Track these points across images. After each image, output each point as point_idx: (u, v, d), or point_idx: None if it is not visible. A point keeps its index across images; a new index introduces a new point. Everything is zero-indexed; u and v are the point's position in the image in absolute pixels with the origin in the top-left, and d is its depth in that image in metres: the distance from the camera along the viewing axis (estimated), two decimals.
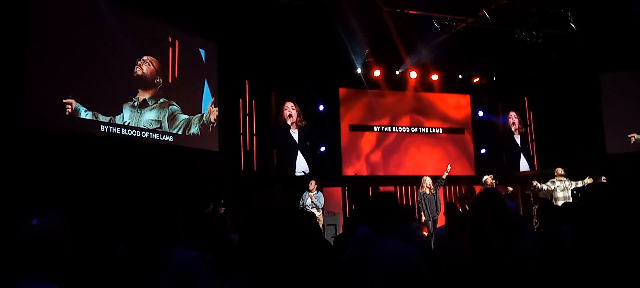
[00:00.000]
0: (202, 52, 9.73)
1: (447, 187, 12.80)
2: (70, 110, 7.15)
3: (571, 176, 9.89)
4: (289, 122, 11.32)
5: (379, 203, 2.77)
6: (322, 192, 9.89)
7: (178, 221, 2.82)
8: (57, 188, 6.12)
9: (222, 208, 8.28)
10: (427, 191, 9.68)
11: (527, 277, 2.07)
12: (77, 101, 7.24)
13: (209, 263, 2.91)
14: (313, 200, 9.53)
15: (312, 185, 9.74)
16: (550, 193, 9.78)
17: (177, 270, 2.41)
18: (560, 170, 10.03)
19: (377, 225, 2.71)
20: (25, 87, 6.50)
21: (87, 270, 2.72)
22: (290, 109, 11.38)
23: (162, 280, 2.38)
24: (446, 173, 10.19)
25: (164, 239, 2.49)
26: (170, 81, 8.94)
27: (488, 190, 3.23)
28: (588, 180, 9.63)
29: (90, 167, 6.93)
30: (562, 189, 9.58)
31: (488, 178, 10.02)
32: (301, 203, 9.61)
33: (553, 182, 9.85)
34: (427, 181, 9.78)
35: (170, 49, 9.05)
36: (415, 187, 12.40)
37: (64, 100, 7.09)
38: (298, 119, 11.42)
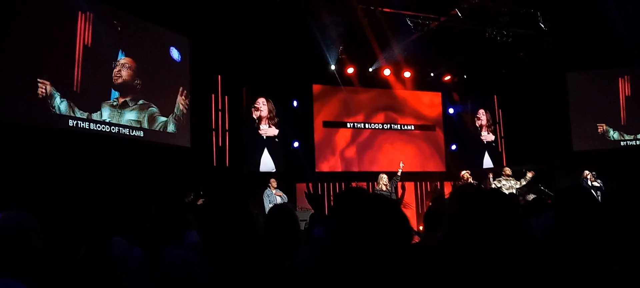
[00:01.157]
0: (174, 50, 9.58)
1: (419, 183, 12.96)
2: (43, 93, 6.93)
3: (517, 175, 10.18)
4: (256, 118, 11.23)
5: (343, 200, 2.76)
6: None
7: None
8: (29, 184, 5.95)
9: (201, 200, 8.22)
10: (384, 188, 9.72)
11: (500, 272, 2.09)
12: (51, 85, 7.04)
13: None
14: (281, 197, 9.61)
15: (274, 183, 9.78)
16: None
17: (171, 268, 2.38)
18: (507, 170, 10.37)
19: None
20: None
21: (56, 269, 2.64)
22: (260, 105, 11.29)
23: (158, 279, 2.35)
24: (400, 171, 10.25)
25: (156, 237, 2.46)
26: (143, 81, 8.80)
27: (464, 185, 3.27)
28: (529, 175, 9.93)
29: (61, 162, 6.75)
30: (507, 188, 9.81)
31: (465, 174, 10.19)
32: (266, 200, 9.59)
33: (499, 181, 10.13)
34: (384, 178, 9.82)
35: (143, 46, 8.89)
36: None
37: (37, 80, 6.87)
38: (268, 115, 11.34)
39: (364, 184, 10.43)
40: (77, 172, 6.97)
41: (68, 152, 7.19)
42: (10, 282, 1.65)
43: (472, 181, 10.06)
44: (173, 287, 2.54)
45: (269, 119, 11.35)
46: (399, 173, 10.19)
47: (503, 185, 9.96)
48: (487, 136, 13.87)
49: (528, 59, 11.68)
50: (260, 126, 11.25)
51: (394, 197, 9.80)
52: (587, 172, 10.37)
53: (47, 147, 6.88)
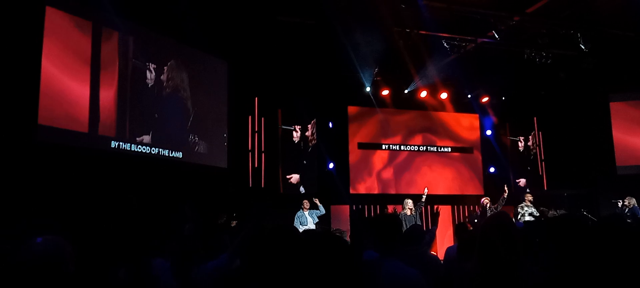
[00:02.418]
0: (212, 69, 9.85)
1: (456, 207, 12.75)
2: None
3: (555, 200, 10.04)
4: (297, 139, 11.36)
5: (383, 226, 2.76)
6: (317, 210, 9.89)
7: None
8: (66, 205, 6.15)
9: (234, 222, 8.34)
10: (408, 212, 9.61)
11: None
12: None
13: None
14: (307, 216, 9.58)
15: (306, 204, 9.79)
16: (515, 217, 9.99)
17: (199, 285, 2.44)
18: (529, 196, 10.33)
19: (382, 248, 2.70)
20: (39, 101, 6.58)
21: None
22: (298, 130, 11.46)
23: None
24: (424, 196, 10.12)
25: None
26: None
27: (498, 213, 3.20)
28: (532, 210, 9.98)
29: (95, 182, 6.96)
30: (529, 214, 9.79)
31: (485, 200, 10.10)
32: (297, 221, 9.62)
33: (522, 208, 10.10)
34: (409, 203, 9.75)
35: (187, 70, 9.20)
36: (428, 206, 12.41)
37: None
38: (308, 136, 11.49)
39: (399, 207, 10.30)
40: (116, 193, 7.16)
41: (109, 174, 7.42)
42: None
43: (490, 206, 9.90)
44: None
45: (303, 139, 11.48)
46: (423, 199, 10.07)
47: (526, 211, 9.81)
48: (525, 159, 13.56)
49: (568, 80, 11.37)
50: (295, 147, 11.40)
51: (418, 221, 9.68)
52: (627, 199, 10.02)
53: (89, 169, 7.12)
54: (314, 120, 11.65)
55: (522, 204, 10.17)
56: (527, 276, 2.31)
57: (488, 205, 9.96)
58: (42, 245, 1.80)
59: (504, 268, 2.25)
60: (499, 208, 9.87)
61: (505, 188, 10.40)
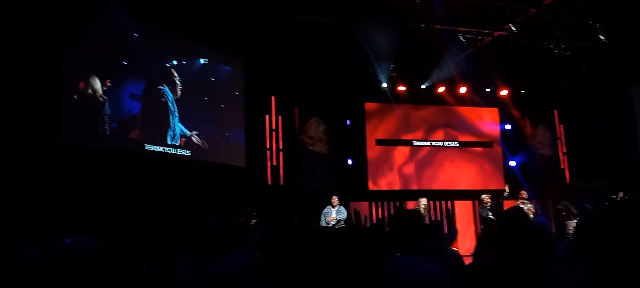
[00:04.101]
0: (228, 69, 9.94)
1: (477, 202, 12.66)
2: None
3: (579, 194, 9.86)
4: (307, 138, 11.43)
5: (402, 222, 2.78)
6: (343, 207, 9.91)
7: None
8: (92, 206, 6.30)
9: (254, 220, 8.44)
10: (422, 211, 9.59)
11: None
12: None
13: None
14: (334, 213, 9.61)
15: (335, 200, 9.79)
16: None
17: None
18: (524, 193, 10.22)
19: (401, 243, 2.71)
20: (61, 102, 6.72)
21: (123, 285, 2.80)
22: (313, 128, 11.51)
23: None
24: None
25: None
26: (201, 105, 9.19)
27: (512, 209, 3.20)
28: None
29: (117, 182, 7.09)
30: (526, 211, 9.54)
31: (485, 197, 10.00)
32: (323, 217, 9.66)
33: (524, 204, 9.95)
34: (423, 201, 9.73)
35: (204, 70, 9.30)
36: (447, 202, 12.37)
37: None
38: (319, 136, 11.54)
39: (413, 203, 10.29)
40: (144, 192, 7.30)
41: (136, 174, 7.57)
42: None
43: (489, 202, 9.83)
44: None
45: (318, 139, 11.52)
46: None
47: (527, 207, 9.73)
48: (543, 151, 13.40)
49: (589, 72, 11.18)
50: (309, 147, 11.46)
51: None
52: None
53: (116, 170, 7.26)
54: (331, 117, 11.67)
55: (519, 202, 10.04)
56: (546, 273, 2.31)
57: (489, 202, 9.88)
58: (73, 246, 1.86)
59: (520, 264, 2.25)
60: (500, 202, 9.82)
61: (506, 186, 10.39)
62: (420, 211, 9.38)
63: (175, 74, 8.68)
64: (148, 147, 8.06)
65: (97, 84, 7.26)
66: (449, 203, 12.48)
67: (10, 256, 2.27)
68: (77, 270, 1.80)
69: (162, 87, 8.42)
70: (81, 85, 7.04)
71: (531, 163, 13.10)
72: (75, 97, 6.93)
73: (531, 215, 9.35)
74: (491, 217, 9.43)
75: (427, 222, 9.54)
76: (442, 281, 2.46)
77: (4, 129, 5.90)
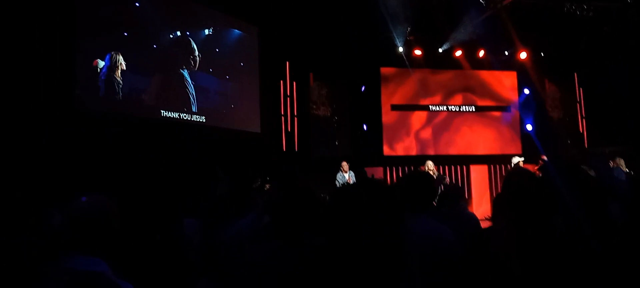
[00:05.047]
0: (242, 34, 9.87)
1: (493, 166, 12.59)
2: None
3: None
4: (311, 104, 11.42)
5: (412, 183, 2.76)
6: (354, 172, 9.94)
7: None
8: (109, 171, 6.38)
9: (268, 185, 8.48)
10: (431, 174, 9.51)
11: (569, 257, 2.03)
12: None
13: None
14: (346, 177, 9.65)
15: (345, 166, 9.82)
16: None
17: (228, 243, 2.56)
18: (545, 158, 9.83)
19: (411, 204, 2.69)
20: (77, 68, 6.76)
21: (135, 247, 2.85)
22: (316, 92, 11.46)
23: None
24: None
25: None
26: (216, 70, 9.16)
27: (519, 169, 3.16)
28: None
29: (133, 148, 7.16)
30: None
31: (429, 163, 9.85)
32: (337, 184, 9.71)
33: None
34: (430, 164, 9.65)
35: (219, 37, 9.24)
36: (464, 167, 12.31)
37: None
38: (322, 100, 11.49)
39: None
40: (160, 158, 7.38)
41: (152, 140, 7.64)
42: (94, 259, 1.82)
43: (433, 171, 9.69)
44: (228, 258, 2.70)
45: (322, 103, 11.48)
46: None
47: None
48: (553, 113, 13.19)
49: (612, 34, 10.85)
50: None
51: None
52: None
53: (132, 135, 7.33)
54: (346, 82, 11.57)
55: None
56: (561, 230, 2.28)
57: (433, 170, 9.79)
58: (88, 203, 1.89)
59: (533, 222, 2.22)
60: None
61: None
62: (430, 174, 9.35)
63: (191, 41, 8.64)
64: (164, 113, 8.10)
65: (110, 53, 7.27)
66: (465, 168, 12.42)
67: (37, 220, 2.33)
68: (91, 227, 1.82)
69: (176, 56, 8.41)
70: (95, 53, 7.04)
71: (549, 128, 12.91)
72: (90, 65, 6.95)
73: None
74: None
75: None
76: (451, 242, 2.45)
77: (20, 97, 5.96)
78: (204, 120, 8.81)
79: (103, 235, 1.88)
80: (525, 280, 2.06)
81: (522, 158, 10.00)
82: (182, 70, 8.49)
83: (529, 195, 2.21)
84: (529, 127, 12.95)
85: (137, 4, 7.79)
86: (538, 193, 2.23)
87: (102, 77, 7.12)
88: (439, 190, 5.23)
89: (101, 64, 7.13)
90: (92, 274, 1.76)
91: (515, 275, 2.08)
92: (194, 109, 8.63)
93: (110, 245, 1.91)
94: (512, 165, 9.93)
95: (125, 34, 7.53)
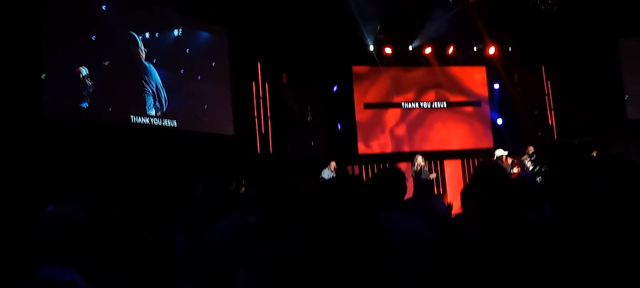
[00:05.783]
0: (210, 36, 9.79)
1: (466, 160, 12.78)
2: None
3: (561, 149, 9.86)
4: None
5: (384, 180, 2.80)
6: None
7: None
8: (82, 180, 6.25)
9: (243, 188, 8.44)
10: (418, 169, 9.58)
11: (530, 247, 2.08)
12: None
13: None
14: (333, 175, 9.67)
15: (333, 165, 9.82)
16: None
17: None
18: (531, 149, 9.87)
19: (384, 201, 2.73)
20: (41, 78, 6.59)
21: (109, 255, 2.81)
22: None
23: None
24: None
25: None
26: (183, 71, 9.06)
27: (486, 161, 3.24)
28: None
29: (103, 156, 7.04)
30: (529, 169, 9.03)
31: (501, 152, 9.94)
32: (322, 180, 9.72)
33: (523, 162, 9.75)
34: (418, 159, 9.67)
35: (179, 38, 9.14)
36: (438, 162, 12.44)
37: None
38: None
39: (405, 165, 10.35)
40: (133, 164, 7.26)
41: (128, 147, 7.52)
42: (66, 268, 1.80)
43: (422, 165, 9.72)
44: (213, 260, 2.71)
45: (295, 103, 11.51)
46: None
47: (527, 166, 9.50)
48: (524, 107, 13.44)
49: (576, 27, 11.16)
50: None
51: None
52: None
53: (89, 144, 7.17)
54: (318, 81, 11.59)
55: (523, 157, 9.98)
56: (529, 221, 2.34)
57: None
58: (55, 212, 1.85)
59: (498, 213, 2.28)
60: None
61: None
62: (399, 169, 9.40)
63: (158, 44, 8.53)
64: (134, 119, 7.98)
65: (75, 61, 7.12)
66: (439, 163, 12.58)
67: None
68: (60, 236, 1.79)
69: (140, 59, 8.28)
70: (59, 61, 6.89)
71: (519, 121, 13.17)
72: (55, 72, 6.80)
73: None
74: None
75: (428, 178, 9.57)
76: (425, 236, 2.49)
77: None
78: (175, 125, 8.71)
79: (73, 244, 1.84)
80: (488, 264, 2.11)
81: (506, 152, 10.10)
82: (146, 76, 8.35)
83: (493, 185, 2.27)
84: (500, 121, 13.19)
85: (103, 7, 7.65)
86: (502, 183, 2.29)
87: (71, 84, 6.98)
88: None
89: (84, 71, 7.03)
90: (64, 284, 1.74)
91: (480, 260, 2.14)
92: (164, 114, 8.50)
93: (83, 253, 1.88)
94: (495, 157, 10.02)
95: (93, 38, 7.39)
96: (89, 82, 7.23)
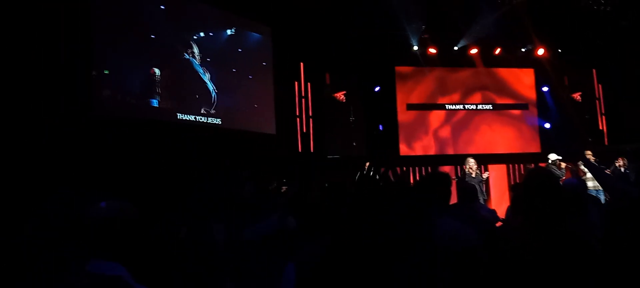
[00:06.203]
0: (257, 36, 9.90)
1: (512, 166, 12.44)
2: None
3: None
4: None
5: (431, 183, 2.75)
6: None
7: None
8: (127, 177, 6.42)
9: (284, 187, 8.49)
10: (472, 174, 9.33)
11: (581, 256, 2.00)
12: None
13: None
14: None
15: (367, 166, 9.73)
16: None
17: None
18: (589, 153, 9.19)
19: (431, 204, 2.68)
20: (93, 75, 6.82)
21: (154, 252, 2.87)
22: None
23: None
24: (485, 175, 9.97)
25: None
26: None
27: (535, 170, 3.13)
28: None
29: (150, 152, 7.20)
30: (591, 178, 8.06)
31: (554, 157, 9.58)
32: None
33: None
34: (470, 162, 9.44)
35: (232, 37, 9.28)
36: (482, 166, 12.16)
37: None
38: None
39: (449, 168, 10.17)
40: (177, 161, 7.41)
41: (169, 143, 7.69)
42: (113, 263, 1.84)
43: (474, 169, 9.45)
44: (252, 258, 2.72)
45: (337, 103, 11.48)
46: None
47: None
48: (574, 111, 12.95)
49: (630, 28, 10.65)
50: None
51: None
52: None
53: (149, 140, 7.38)
54: (361, 82, 11.54)
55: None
56: (577, 231, 2.25)
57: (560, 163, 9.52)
58: (106, 209, 1.90)
59: (547, 222, 2.20)
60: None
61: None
62: (447, 174, 9.22)
63: (205, 44, 8.69)
64: (180, 116, 8.16)
65: (134, 58, 7.34)
66: (483, 168, 12.29)
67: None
68: (110, 232, 1.84)
69: (191, 59, 8.45)
70: (111, 59, 7.11)
71: (569, 126, 12.71)
72: (106, 72, 7.02)
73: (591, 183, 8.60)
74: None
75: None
76: (471, 240, 2.44)
77: (39, 105, 6.03)
78: (220, 122, 8.85)
79: (121, 240, 1.89)
80: (535, 275, 2.06)
81: (560, 157, 9.69)
82: (197, 75, 8.53)
83: (543, 193, 2.19)
84: (548, 125, 12.77)
85: (162, 7, 7.86)
86: (552, 191, 2.21)
87: (119, 84, 7.19)
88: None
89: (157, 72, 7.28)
90: (111, 278, 1.78)
91: (527, 270, 2.08)
92: (208, 112, 8.65)
93: (129, 250, 1.92)
94: (549, 162, 9.68)
95: (152, 36, 7.60)
96: (138, 81, 7.45)
